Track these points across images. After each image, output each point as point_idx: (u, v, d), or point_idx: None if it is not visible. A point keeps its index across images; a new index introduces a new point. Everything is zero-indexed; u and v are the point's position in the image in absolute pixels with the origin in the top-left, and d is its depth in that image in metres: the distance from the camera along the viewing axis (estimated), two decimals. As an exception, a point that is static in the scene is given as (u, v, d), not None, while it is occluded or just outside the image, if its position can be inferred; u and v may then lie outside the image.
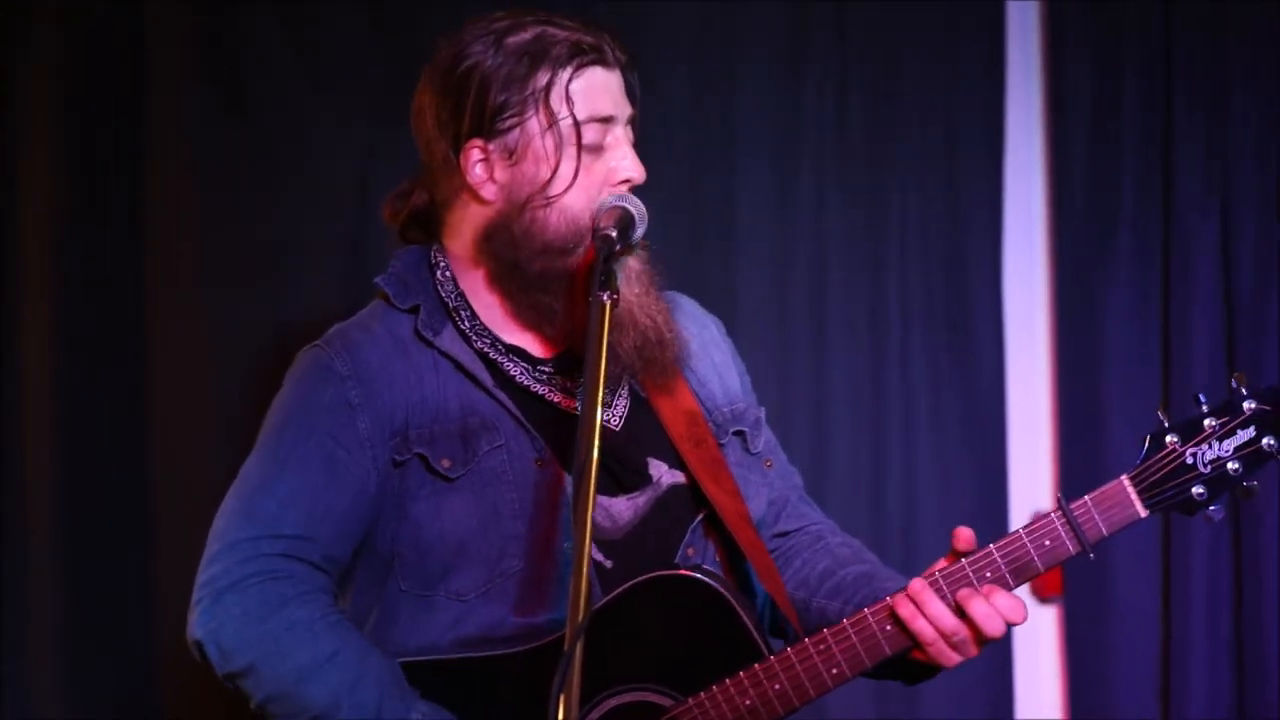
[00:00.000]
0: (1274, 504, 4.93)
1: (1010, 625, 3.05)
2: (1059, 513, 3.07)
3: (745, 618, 3.08)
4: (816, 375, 4.94)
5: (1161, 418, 3.09)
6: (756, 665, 3.06)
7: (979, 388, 5.04)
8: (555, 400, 3.16)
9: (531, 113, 3.11)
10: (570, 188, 3.11)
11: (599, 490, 2.94)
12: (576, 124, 3.11)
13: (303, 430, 3.09)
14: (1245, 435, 3.03)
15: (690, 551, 3.19)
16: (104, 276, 4.57)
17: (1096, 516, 3.06)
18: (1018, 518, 5.08)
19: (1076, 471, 5.04)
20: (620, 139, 3.16)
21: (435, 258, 3.20)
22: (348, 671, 2.99)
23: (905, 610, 3.04)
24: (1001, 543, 3.07)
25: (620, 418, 3.20)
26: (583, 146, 3.11)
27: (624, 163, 3.14)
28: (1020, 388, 5.10)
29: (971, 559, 3.07)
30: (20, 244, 4.53)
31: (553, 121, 3.10)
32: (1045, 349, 5.13)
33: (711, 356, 3.34)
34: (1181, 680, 4.97)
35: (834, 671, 3.05)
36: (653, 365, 3.17)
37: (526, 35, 3.12)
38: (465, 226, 3.17)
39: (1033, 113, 5.13)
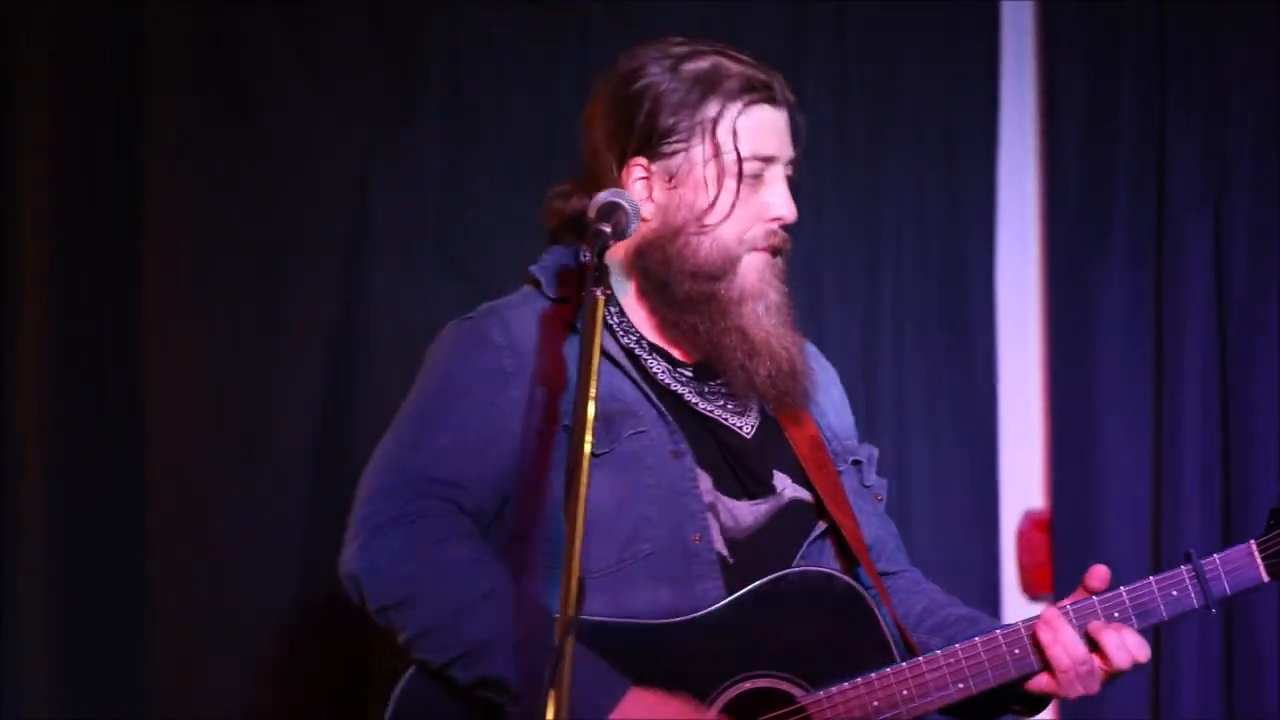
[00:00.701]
0: (1262, 496, 4.95)
1: (1136, 664, 3.19)
2: (1189, 567, 3.22)
3: (882, 622, 3.19)
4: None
5: None
6: (889, 669, 3.15)
7: (972, 387, 5.06)
8: (692, 401, 3.25)
9: (698, 141, 3.21)
10: (725, 219, 3.22)
11: (725, 492, 3.19)
12: (740, 158, 3.21)
13: (460, 391, 3.17)
14: None
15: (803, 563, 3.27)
16: (103, 276, 4.59)
17: (1223, 575, 3.21)
18: (1009, 517, 5.10)
19: (1068, 471, 5.06)
20: (778, 176, 3.27)
21: (586, 260, 3.23)
22: (505, 610, 3.03)
23: (1045, 635, 3.16)
24: (1132, 587, 3.22)
25: (752, 429, 3.29)
26: (742, 181, 3.22)
27: (778, 200, 3.27)
28: (1013, 387, 5.12)
29: (1102, 597, 3.21)
30: (19, 243, 4.55)
31: (717, 153, 3.21)
32: (1038, 349, 5.14)
33: (830, 394, 3.49)
34: (1172, 680, 4.98)
35: (960, 686, 3.16)
36: (785, 395, 3.28)
37: (703, 64, 3.23)
38: (623, 244, 3.24)
39: (1027, 112, 5.15)
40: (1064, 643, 3.16)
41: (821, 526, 3.29)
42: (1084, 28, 5.05)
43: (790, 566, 3.21)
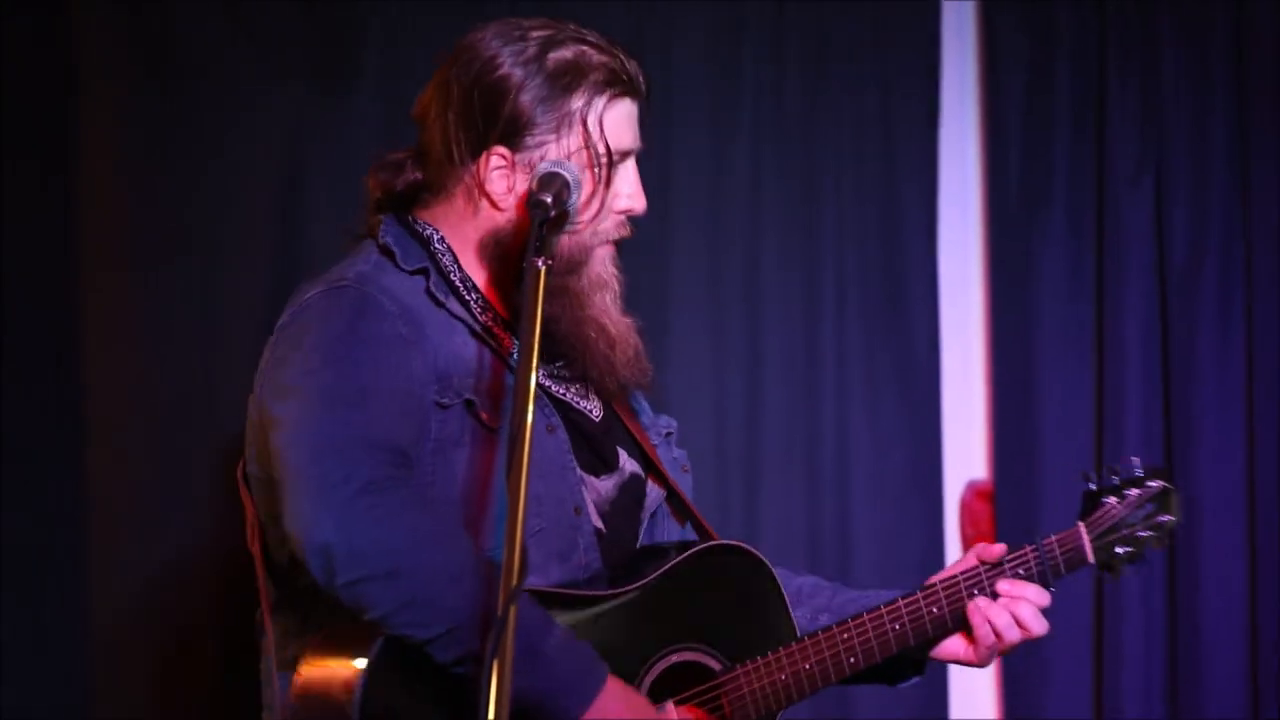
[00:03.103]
0: (1205, 478, 4.97)
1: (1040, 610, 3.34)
2: (1034, 547, 3.35)
3: (786, 595, 3.26)
4: (751, 343, 4.96)
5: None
6: (794, 643, 3.23)
7: (913, 357, 5.07)
8: (545, 384, 3.22)
9: (564, 134, 3.17)
10: (587, 214, 3.18)
11: (585, 468, 3.20)
12: (608, 154, 3.18)
13: (373, 359, 3.06)
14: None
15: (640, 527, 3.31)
16: (34, 250, 4.54)
17: (1059, 556, 3.35)
18: (952, 487, 5.11)
19: (1011, 442, 5.07)
20: (631, 168, 3.23)
21: (426, 233, 3.24)
22: (485, 583, 2.93)
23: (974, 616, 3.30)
24: (988, 567, 3.35)
25: (600, 413, 3.29)
26: (603, 175, 3.18)
27: (631, 192, 3.22)
28: (955, 358, 5.13)
29: (964, 574, 3.34)
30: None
31: (582, 146, 3.17)
32: (979, 319, 5.16)
33: None
34: (1115, 678, 5.01)
35: (852, 660, 3.25)
36: (638, 382, 3.30)
37: (566, 54, 3.17)
38: (470, 225, 3.21)
39: (967, 82, 5.16)
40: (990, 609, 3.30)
41: (658, 495, 3.33)
42: (1024, 0, 5.06)
43: (640, 532, 3.28)
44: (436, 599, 2.91)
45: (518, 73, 3.15)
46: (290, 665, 3.09)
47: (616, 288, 3.26)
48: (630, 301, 4.79)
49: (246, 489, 3.21)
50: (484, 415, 3.12)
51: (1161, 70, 5.01)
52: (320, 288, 3.15)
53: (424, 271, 3.18)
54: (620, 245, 3.28)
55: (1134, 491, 3.35)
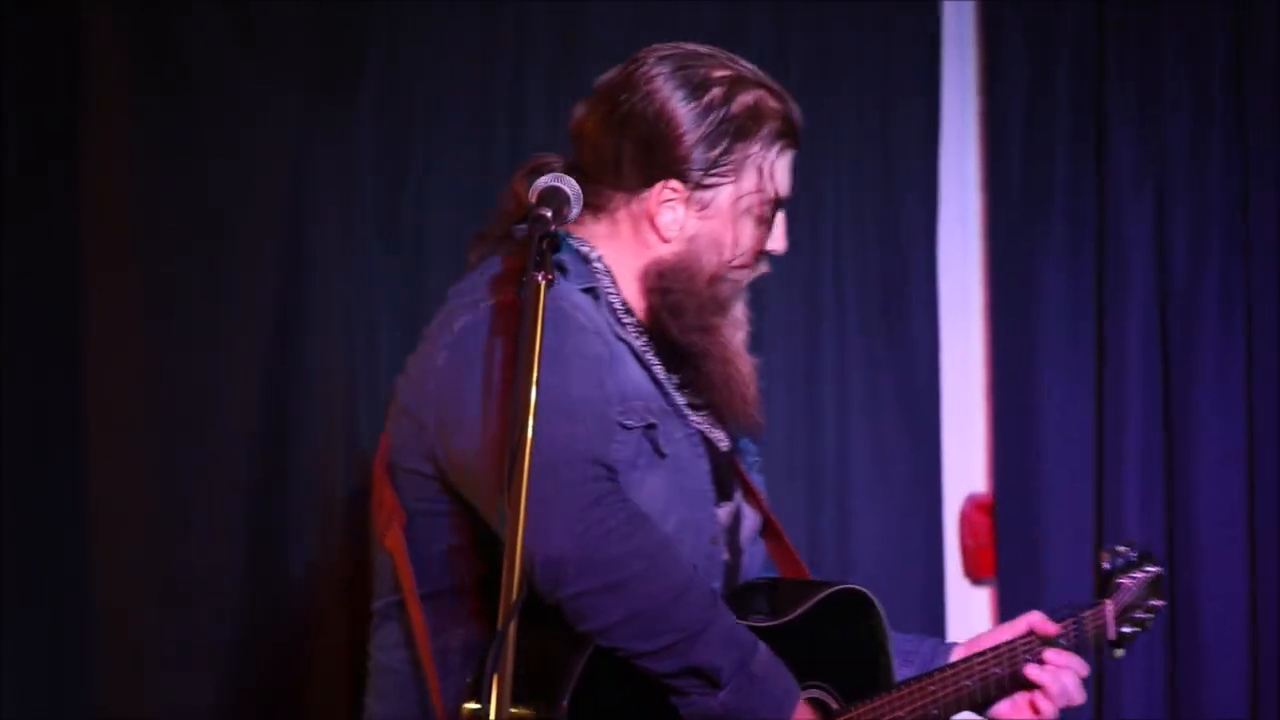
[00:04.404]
0: (1204, 489, 4.97)
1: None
2: (1073, 619, 3.48)
3: (890, 645, 3.37)
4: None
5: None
6: (894, 691, 3.29)
7: (913, 369, 5.07)
8: (686, 412, 3.26)
9: (739, 178, 3.23)
10: (743, 257, 3.25)
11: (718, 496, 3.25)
12: (774, 203, 3.26)
13: (578, 374, 3.08)
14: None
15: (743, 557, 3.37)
16: (41, 254, 4.53)
17: (1088, 632, 3.49)
18: (951, 500, 5.11)
19: (1010, 454, 5.07)
20: (782, 217, 3.30)
21: (584, 250, 3.27)
22: (701, 598, 3.00)
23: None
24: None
25: (728, 443, 3.34)
26: (762, 223, 3.26)
27: (779, 236, 3.30)
28: (955, 369, 5.13)
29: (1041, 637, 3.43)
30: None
31: (752, 192, 3.23)
32: (980, 332, 5.16)
33: None
34: (1115, 684, 5.01)
35: (935, 713, 3.31)
36: (760, 422, 3.35)
37: (748, 99, 3.23)
38: (631, 252, 3.26)
39: (968, 95, 5.16)
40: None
41: (754, 524, 3.37)
42: (1024, 10, 5.06)
43: (740, 566, 3.30)
44: (661, 613, 2.95)
45: (702, 112, 3.21)
46: (446, 655, 3.12)
47: (747, 327, 3.32)
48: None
49: (390, 481, 3.21)
50: (659, 441, 3.17)
51: (1162, 82, 5.01)
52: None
53: (591, 291, 3.22)
54: None
55: (1139, 575, 3.54)
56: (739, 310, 3.31)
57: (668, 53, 3.26)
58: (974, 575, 5.14)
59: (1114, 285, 5.03)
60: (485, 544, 3.06)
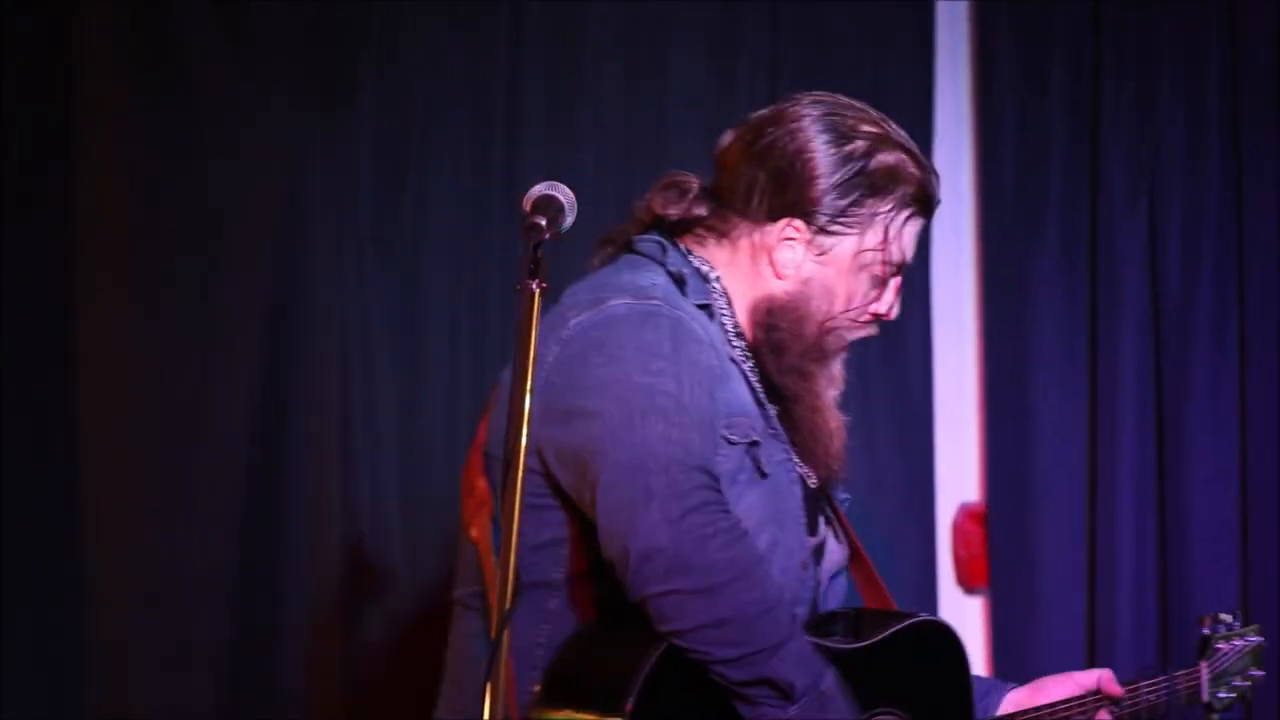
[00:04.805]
0: (1197, 504, 4.97)
1: None
2: (1165, 678, 3.51)
3: (970, 680, 3.36)
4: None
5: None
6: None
7: (907, 379, 5.07)
8: (784, 440, 3.30)
9: (864, 233, 3.25)
10: (850, 311, 3.28)
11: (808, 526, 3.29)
12: (893, 266, 3.28)
13: (690, 383, 3.09)
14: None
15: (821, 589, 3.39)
16: (36, 260, 4.54)
17: (1182, 691, 3.52)
18: (944, 509, 5.11)
19: (1003, 464, 5.08)
20: (897, 283, 3.32)
21: (704, 270, 3.30)
22: (786, 616, 3.04)
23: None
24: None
25: (815, 480, 3.37)
26: (877, 282, 3.28)
27: (890, 300, 3.33)
28: (948, 381, 5.13)
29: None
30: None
31: (875, 249, 3.26)
32: (973, 341, 5.16)
33: None
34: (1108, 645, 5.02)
35: None
36: (835, 476, 3.41)
37: (889, 159, 3.25)
38: (745, 281, 3.30)
39: (961, 106, 5.16)
40: None
41: (839, 559, 3.40)
42: (1018, 21, 5.06)
43: (820, 598, 3.33)
44: (746, 624, 2.98)
45: (841, 162, 3.24)
46: (532, 649, 3.13)
47: (842, 387, 3.36)
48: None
49: (484, 470, 3.23)
50: (761, 460, 3.19)
51: (1156, 97, 5.01)
52: (625, 299, 3.17)
53: (707, 308, 3.25)
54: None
55: (1239, 643, 3.55)
56: (837, 367, 3.34)
57: (822, 98, 3.31)
58: (967, 584, 5.14)
59: (1108, 298, 5.03)
60: (586, 539, 3.09)
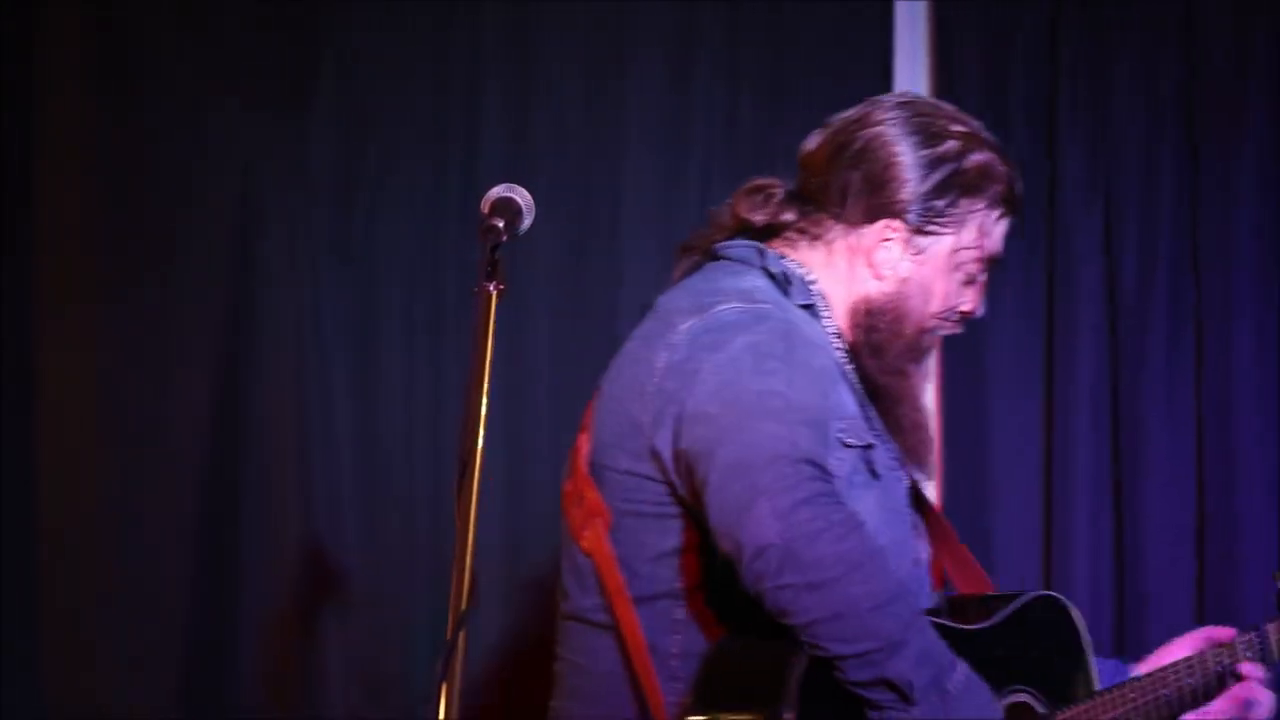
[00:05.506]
0: (1153, 507, 4.98)
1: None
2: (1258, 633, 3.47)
3: (1089, 648, 3.40)
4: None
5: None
6: (1099, 696, 3.35)
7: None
8: (888, 441, 3.32)
9: (960, 232, 3.29)
10: (944, 310, 3.32)
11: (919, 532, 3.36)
12: (986, 262, 3.32)
13: (804, 384, 3.11)
14: None
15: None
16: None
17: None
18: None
19: (961, 467, 5.08)
20: (984, 279, 3.36)
21: (800, 272, 3.31)
22: (911, 608, 3.04)
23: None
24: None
25: (908, 480, 3.38)
26: (969, 281, 3.32)
27: (978, 298, 3.36)
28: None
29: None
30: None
31: (969, 249, 3.30)
32: (930, 344, 5.16)
33: None
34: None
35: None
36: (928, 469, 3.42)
37: (981, 158, 3.30)
38: (843, 284, 3.31)
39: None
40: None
41: (926, 560, 3.42)
42: (977, 21, 5.07)
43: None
44: (859, 618, 2.97)
45: (935, 161, 3.27)
46: (667, 660, 3.14)
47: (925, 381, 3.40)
48: (581, 318, 4.82)
49: (594, 482, 3.22)
50: (874, 462, 3.22)
51: (1113, 99, 5.02)
52: (733, 304, 3.18)
53: (810, 308, 3.27)
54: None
55: None
56: (927, 362, 3.38)
57: (908, 99, 3.36)
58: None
59: (1064, 299, 5.03)
60: (709, 546, 3.10)
